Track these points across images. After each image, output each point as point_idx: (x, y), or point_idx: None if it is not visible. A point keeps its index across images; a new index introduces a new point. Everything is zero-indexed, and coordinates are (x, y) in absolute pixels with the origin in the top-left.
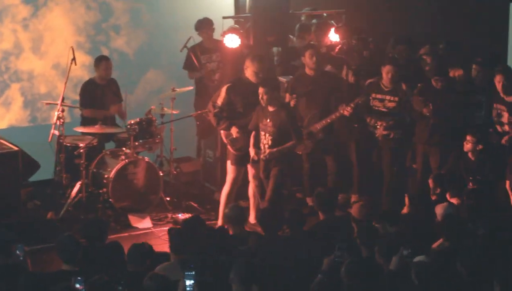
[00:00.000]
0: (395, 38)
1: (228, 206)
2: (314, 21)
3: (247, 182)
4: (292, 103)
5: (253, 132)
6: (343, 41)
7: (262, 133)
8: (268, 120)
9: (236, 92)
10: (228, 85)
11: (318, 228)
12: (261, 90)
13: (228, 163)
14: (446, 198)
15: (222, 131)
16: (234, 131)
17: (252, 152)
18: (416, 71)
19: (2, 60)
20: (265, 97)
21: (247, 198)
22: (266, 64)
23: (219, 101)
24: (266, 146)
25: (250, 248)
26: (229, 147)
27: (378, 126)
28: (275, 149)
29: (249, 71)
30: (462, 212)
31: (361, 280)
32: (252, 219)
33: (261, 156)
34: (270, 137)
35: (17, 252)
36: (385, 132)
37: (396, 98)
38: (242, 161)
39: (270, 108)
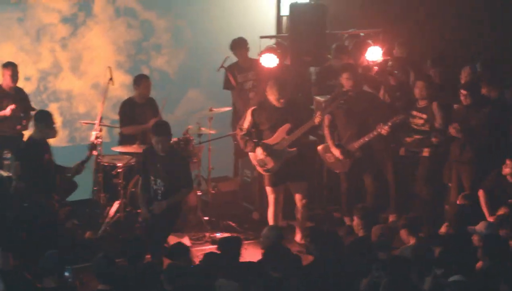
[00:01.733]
0: (432, 60)
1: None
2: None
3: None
4: (316, 121)
5: (140, 178)
6: (377, 62)
7: (152, 178)
8: (159, 165)
9: (261, 115)
10: (253, 108)
11: (356, 245)
12: (155, 139)
13: (265, 185)
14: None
15: (250, 154)
16: (259, 152)
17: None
18: (453, 91)
19: (41, 80)
20: (160, 146)
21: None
22: (287, 88)
23: (245, 125)
24: (159, 192)
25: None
26: (258, 168)
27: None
28: (164, 202)
29: (271, 98)
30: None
31: None
32: (298, 238)
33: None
34: (162, 184)
35: (66, 274)
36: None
37: (424, 116)
38: (275, 180)
39: (162, 153)
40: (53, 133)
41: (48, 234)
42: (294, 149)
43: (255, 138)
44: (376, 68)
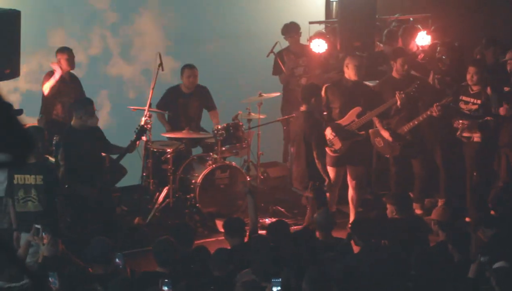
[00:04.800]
0: (485, 40)
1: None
2: None
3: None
4: (398, 103)
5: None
6: (425, 49)
7: None
8: None
9: (334, 93)
10: (327, 85)
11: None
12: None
13: (327, 164)
14: None
15: None
16: (328, 132)
17: None
18: (504, 75)
19: (91, 66)
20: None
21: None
22: (364, 61)
23: None
24: None
25: (336, 254)
26: (325, 148)
27: (459, 127)
28: None
29: (350, 67)
30: None
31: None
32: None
33: None
34: None
35: (117, 260)
36: (465, 134)
37: (479, 101)
38: (339, 162)
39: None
40: (92, 121)
41: (97, 220)
42: (363, 132)
43: (325, 117)
44: (422, 54)
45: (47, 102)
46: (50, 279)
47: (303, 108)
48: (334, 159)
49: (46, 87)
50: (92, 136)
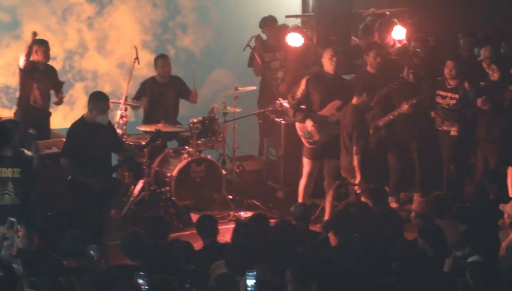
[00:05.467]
0: (461, 34)
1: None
2: None
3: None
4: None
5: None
6: (400, 44)
7: None
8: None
9: (314, 85)
10: (308, 77)
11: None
12: None
13: (303, 156)
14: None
15: (297, 124)
16: (309, 124)
17: None
18: (480, 69)
19: (67, 60)
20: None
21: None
22: (340, 54)
23: (298, 93)
24: None
25: (314, 247)
26: (303, 139)
27: (438, 118)
28: None
29: (324, 60)
30: None
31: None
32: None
33: None
34: None
35: (91, 252)
36: (444, 128)
37: (457, 96)
38: (316, 154)
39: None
40: (101, 118)
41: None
42: None
43: (305, 109)
44: (394, 50)
45: (25, 89)
46: (14, 265)
47: (354, 101)
48: (311, 151)
49: (21, 60)
50: (102, 130)
